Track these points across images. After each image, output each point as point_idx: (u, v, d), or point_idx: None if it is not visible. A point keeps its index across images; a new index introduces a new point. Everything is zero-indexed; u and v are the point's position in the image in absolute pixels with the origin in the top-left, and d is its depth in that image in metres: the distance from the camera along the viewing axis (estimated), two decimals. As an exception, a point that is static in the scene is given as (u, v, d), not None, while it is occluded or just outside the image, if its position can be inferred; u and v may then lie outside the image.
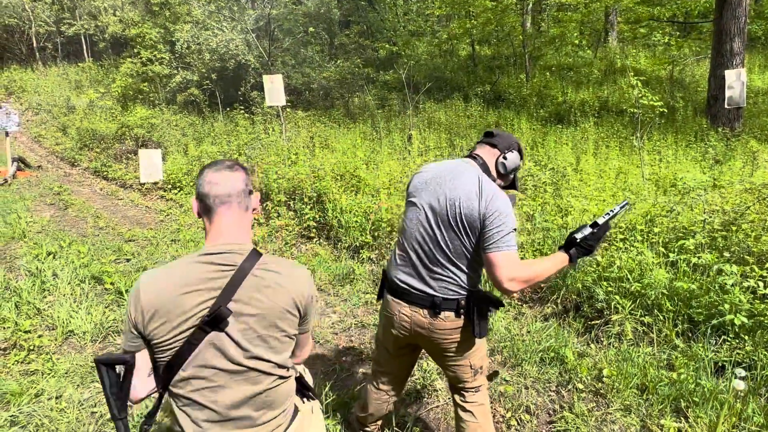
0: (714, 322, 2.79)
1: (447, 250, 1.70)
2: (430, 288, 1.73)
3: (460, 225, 1.67)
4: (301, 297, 1.29)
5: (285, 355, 1.31)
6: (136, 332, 1.22)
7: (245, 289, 1.23)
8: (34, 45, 15.08)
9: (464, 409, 1.92)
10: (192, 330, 1.20)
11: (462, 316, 1.73)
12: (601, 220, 1.74)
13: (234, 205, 1.30)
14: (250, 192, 1.35)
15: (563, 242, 1.77)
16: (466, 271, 1.71)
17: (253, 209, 1.37)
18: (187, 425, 1.24)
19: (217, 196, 1.29)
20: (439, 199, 1.72)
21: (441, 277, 1.72)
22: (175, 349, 1.21)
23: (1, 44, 15.47)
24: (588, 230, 1.73)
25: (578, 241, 1.71)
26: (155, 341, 1.21)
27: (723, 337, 2.77)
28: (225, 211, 1.30)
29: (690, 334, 2.90)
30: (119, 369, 1.23)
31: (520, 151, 1.85)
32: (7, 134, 7.74)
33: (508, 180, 1.88)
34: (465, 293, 1.73)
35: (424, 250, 1.74)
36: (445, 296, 1.72)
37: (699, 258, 3.11)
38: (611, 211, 1.78)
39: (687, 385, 2.48)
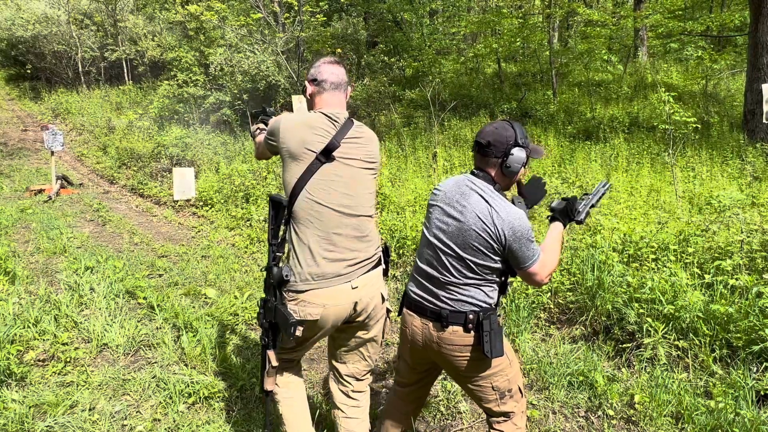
0: (755, 348, 2.66)
1: (458, 265, 1.71)
2: (439, 300, 1.75)
3: (470, 246, 1.69)
4: (378, 146, 1.96)
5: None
6: (272, 137, 1.86)
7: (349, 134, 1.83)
8: (80, 69, 15.96)
9: None
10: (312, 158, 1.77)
11: (471, 332, 1.70)
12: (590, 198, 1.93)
13: (341, 91, 1.91)
14: (348, 83, 1.95)
15: (551, 213, 1.91)
16: (478, 286, 1.72)
17: (347, 94, 1.97)
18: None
19: (333, 83, 1.89)
20: (449, 220, 1.74)
21: (451, 290, 1.73)
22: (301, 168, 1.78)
23: (50, 69, 16.46)
24: (580, 203, 1.91)
25: (572, 213, 1.87)
26: (285, 147, 1.81)
27: (765, 364, 2.63)
28: (337, 93, 1.90)
29: (729, 360, 2.77)
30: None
31: (519, 144, 1.71)
32: (52, 153, 8.19)
33: (519, 175, 1.78)
34: (476, 309, 1.71)
35: (434, 265, 1.77)
36: (453, 309, 1.71)
37: (737, 280, 2.99)
38: (597, 191, 1.97)
39: (726, 414, 2.36)
